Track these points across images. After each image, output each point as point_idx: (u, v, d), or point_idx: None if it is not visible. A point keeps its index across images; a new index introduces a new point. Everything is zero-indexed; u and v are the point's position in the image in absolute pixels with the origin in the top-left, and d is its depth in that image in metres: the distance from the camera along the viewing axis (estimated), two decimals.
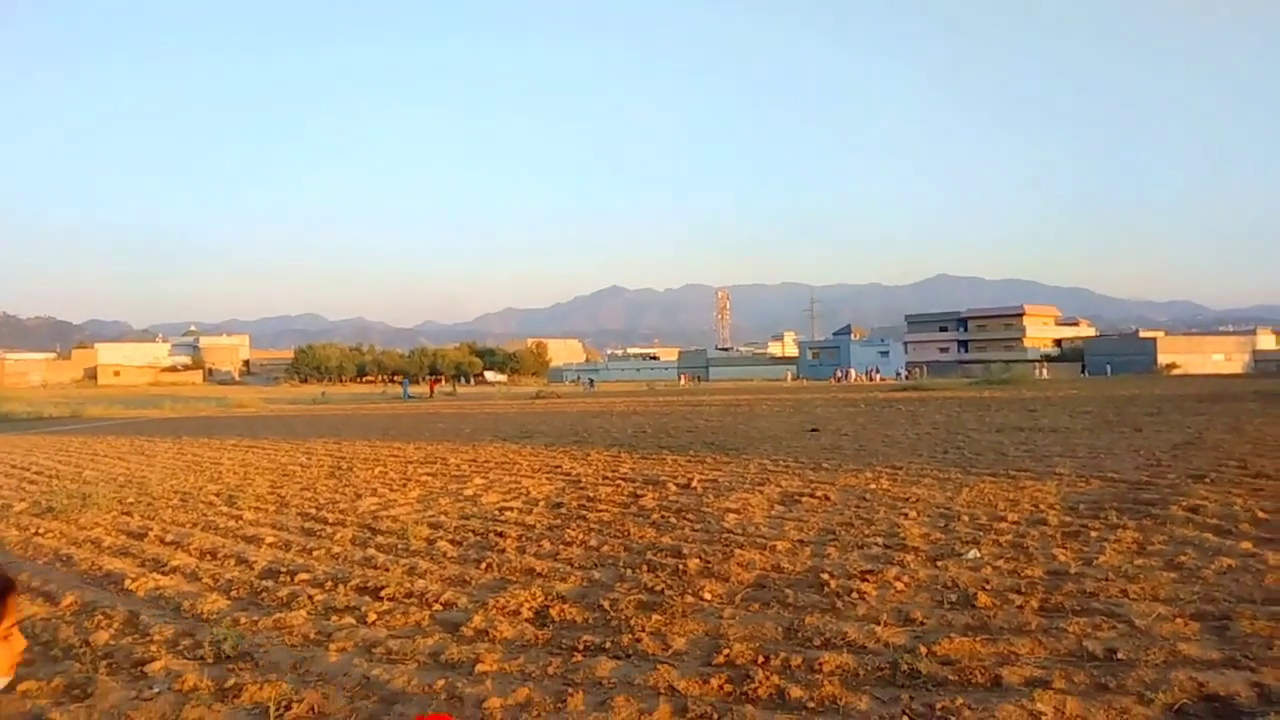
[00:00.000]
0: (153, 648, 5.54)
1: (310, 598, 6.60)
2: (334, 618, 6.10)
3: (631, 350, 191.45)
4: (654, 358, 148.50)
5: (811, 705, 4.32)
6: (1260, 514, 8.15)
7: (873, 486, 11.04)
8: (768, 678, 4.64)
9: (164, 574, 7.60)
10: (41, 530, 9.88)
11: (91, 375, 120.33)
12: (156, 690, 4.77)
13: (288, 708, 4.51)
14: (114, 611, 6.36)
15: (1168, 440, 15.29)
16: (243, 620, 6.10)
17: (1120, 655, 4.74)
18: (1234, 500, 8.90)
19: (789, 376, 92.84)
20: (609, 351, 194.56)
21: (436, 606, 6.32)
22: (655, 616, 5.84)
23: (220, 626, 5.85)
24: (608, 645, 5.31)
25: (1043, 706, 4.12)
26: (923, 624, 5.46)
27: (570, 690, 4.54)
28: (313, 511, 10.62)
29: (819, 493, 10.57)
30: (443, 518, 9.90)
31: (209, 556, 8.30)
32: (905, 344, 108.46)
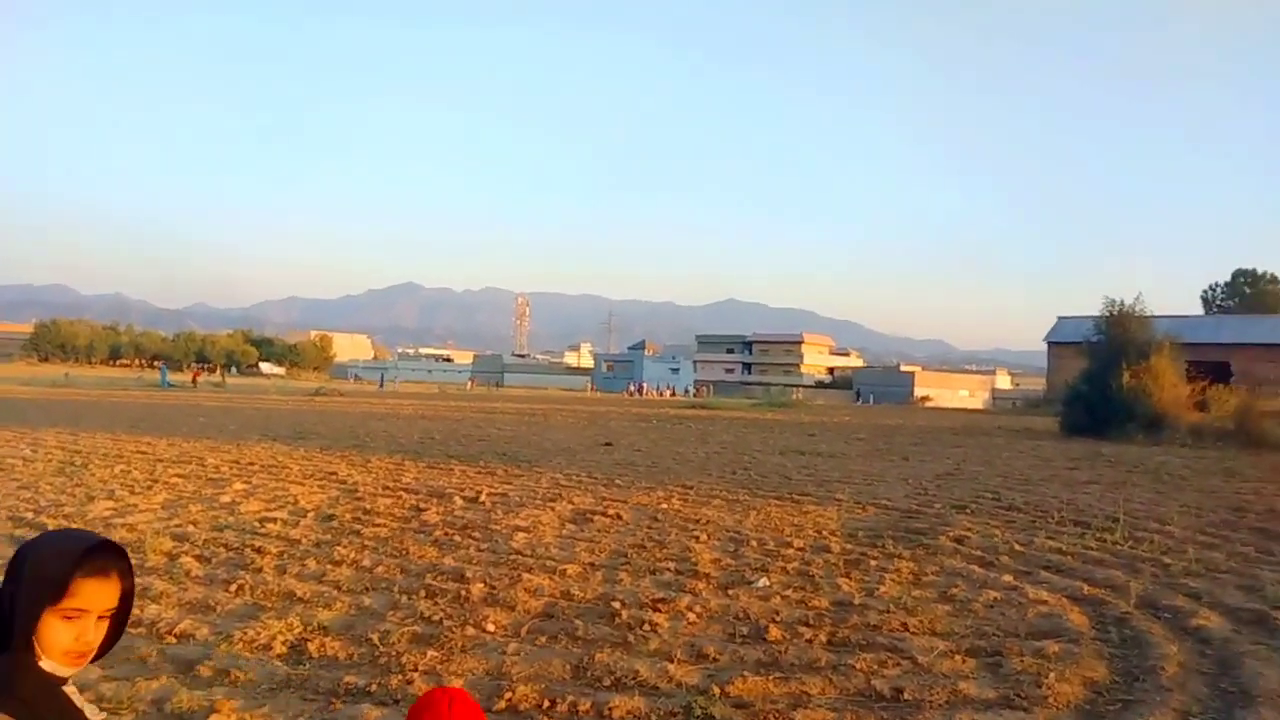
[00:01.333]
0: None
1: None
2: None
3: (424, 350, 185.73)
4: (448, 359, 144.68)
5: None
6: (1017, 546, 8.73)
7: (664, 506, 10.94)
8: None
9: None
10: None
11: None
12: None
13: None
14: None
15: (932, 470, 16.44)
16: None
17: (906, 695, 4.73)
18: (993, 531, 9.51)
19: (589, 387, 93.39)
20: (400, 350, 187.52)
21: (169, 639, 5.39)
22: (431, 652, 5.25)
23: None
24: (373, 688, 4.67)
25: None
26: (716, 660, 5.24)
27: None
28: (28, 517, 9.08)
29: (611, 511, 10.32)
30: (191, 528, 8.73)
31: None
32: (695, 362, 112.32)
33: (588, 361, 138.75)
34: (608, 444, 20.22)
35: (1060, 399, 31.74)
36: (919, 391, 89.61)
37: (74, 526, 8.27)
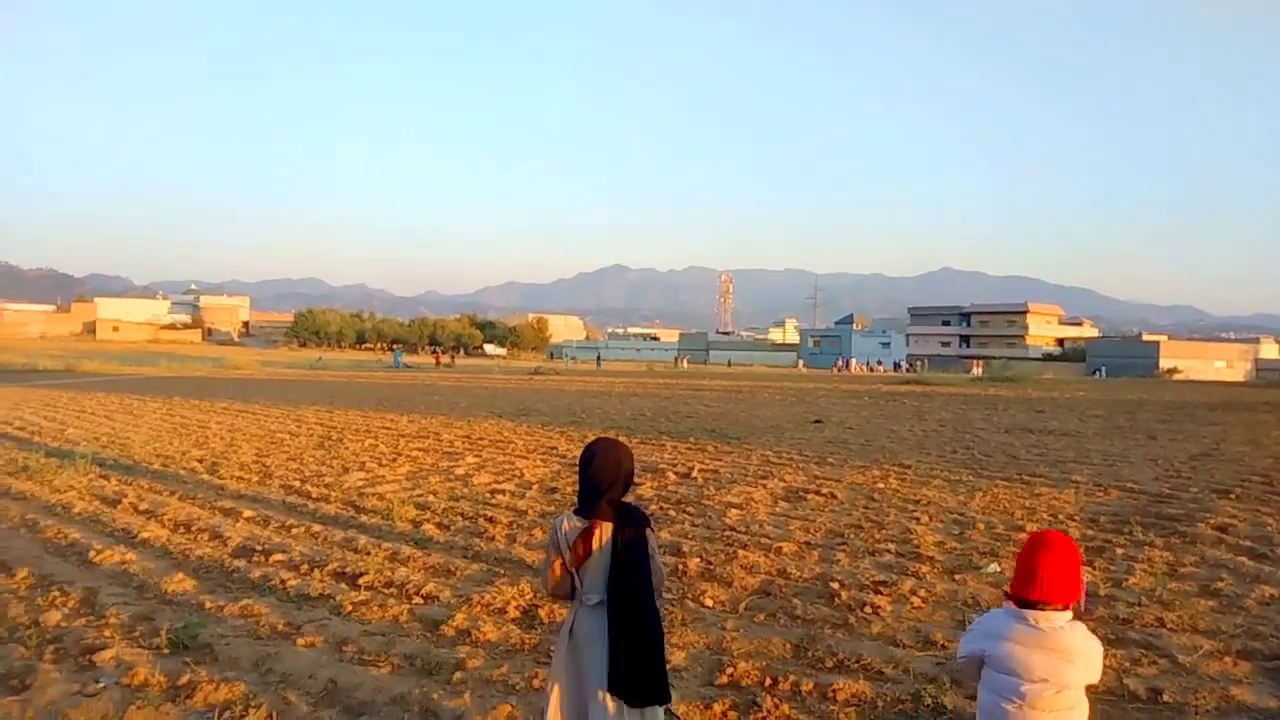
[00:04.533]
0: (106, 632, 5.09)
1: (283, 582, 6.15)
2: (306, 607, 5.66)
3: (632, 330, 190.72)
4: (654, 338, 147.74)
5: None
6: None
7: (881, 485, 10.59)
8: (777, 705, 4.19)
9: (132, 547, 7.16)
10: (12, 491, 9.44)
11: (90, 329, 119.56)
12: (102, 684, 4.32)
13: (243, 714, 4.06)
14: (72, 588, 5.92)
15: (1184, 450, 14.82)
16: (208, 604, 5.65)
17: (1166, 697, 4.30)
18: (1265, 520, 8.44)
19: (801, 364, 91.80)
20: (610, 330, 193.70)
21: (417, 600, 5.87)
22: None
23: (180, 612, 5.40)
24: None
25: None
26: (944, 648, 5.00)
27: None
28: (296, 484, 10.18)
29: (825, 490, 10.12)
30: (431, 498, 9.46)
31: (182, 529, 7.86)
32: (907, 336, 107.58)
33: (793, 338, 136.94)
34: (817, 421, 19.85)
35: None
36: (1165, 363, 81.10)
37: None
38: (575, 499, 3.14)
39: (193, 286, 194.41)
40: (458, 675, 4.53)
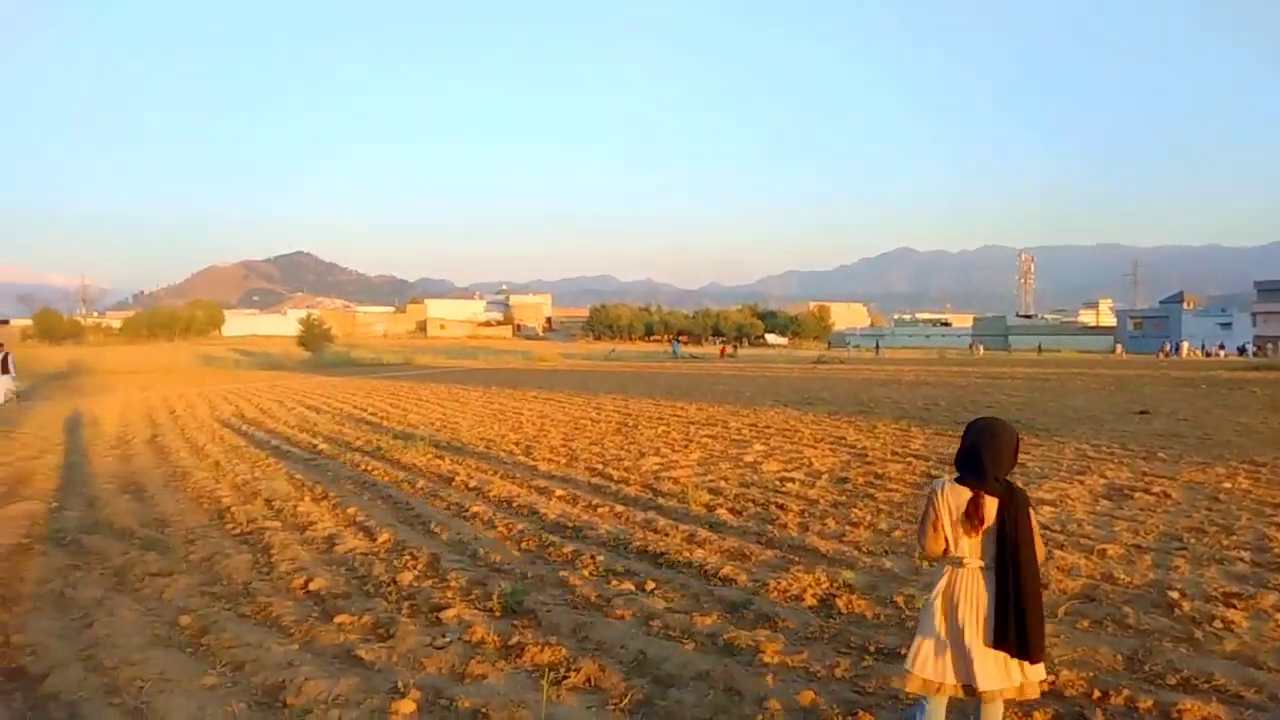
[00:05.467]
0: (449, 594, 5.78)
1: (593, 557, 6.61)
2: (614, 581, 6.04)
3: (920, 315, 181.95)
4: (945, 324, 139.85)
5: None
6: None
7: (1227, 485, 9.25)
8: None
9: (465, 519, 8.05)
10: (370, 467, 10.98)
11: (422, 327, 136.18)
12: (448, 639, 4.92)
13: (565, 675, 4.42)
14: (420, 552, 6.78)
15: None
16: (529, 574, 6.23)
17: None
18: None
19: (1119, 349, 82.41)
20: (895, 317, 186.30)
21: (716, 581, 6.05)
22: None
23: (508, 580, 5.99)
24: (903, 651, 4.70)
25: None
26: None
27: (861, 702, 4.03)
28: (599, 467, 10.87)
29: (1156, 488, 9.03)
30: (722, 483, 9.69)
31: (504, 505, 8.70)
32: (1254, 315, 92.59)
33: (1108, 320, 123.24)
34: (1143, 412, 17.73)
35: None
36: None
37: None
38: (955, 468, 3.39)
39: (503, 287, 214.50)
40: (760, 658, 4.62)
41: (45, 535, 7.39)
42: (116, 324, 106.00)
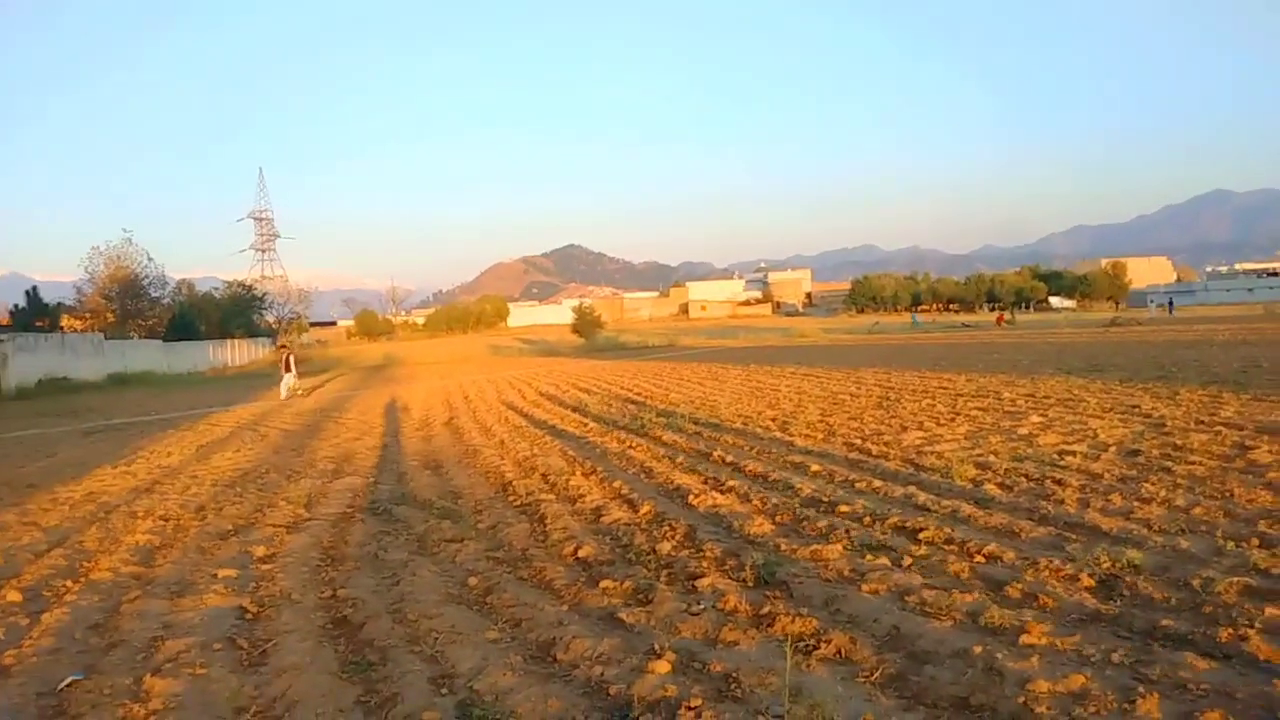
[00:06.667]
0: (704, 564, 6.00)
1: (847, 532, 6.55)
2: (869, 556, 5.95)
3: (1242, 266, 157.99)
4: (1274, 274, 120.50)
5: None
6: None
7: None
8: None
9: (721, 493, 8.27)
10: (634, 445, 11.56)
11: (684, 310, 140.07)
12: (702, 606, 5.12)
13: (815, 646, 4.46)
14: (677, 524, 7.08)
15: None
16: (782, 547, 6.29)
17: None
18: None
19: None
20: (1209, 269, 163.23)
21: (978, 558, 5.77)
22: (1270, 609, 4.51)
23: (760, 552, 6.10)
24: (1196, 638, 4.24)
25: None
26: None
27: (1142, 690, 3.69)
28: (857, 442, 10.67)
29: None
30: (992, 458, 9.14)
31: (759, 480, 8.82)
32: None
33: None
34: None
35: None
36: None
37: (896, 451, 9.49)
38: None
39: (761, 265, 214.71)
40: (1024, 639, 4.36)
41: (364, 506, 8.59)
42: (420, 320, 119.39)
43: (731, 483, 8.63)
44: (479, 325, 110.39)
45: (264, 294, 69.01)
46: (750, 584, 5.50)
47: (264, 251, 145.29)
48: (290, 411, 19.92)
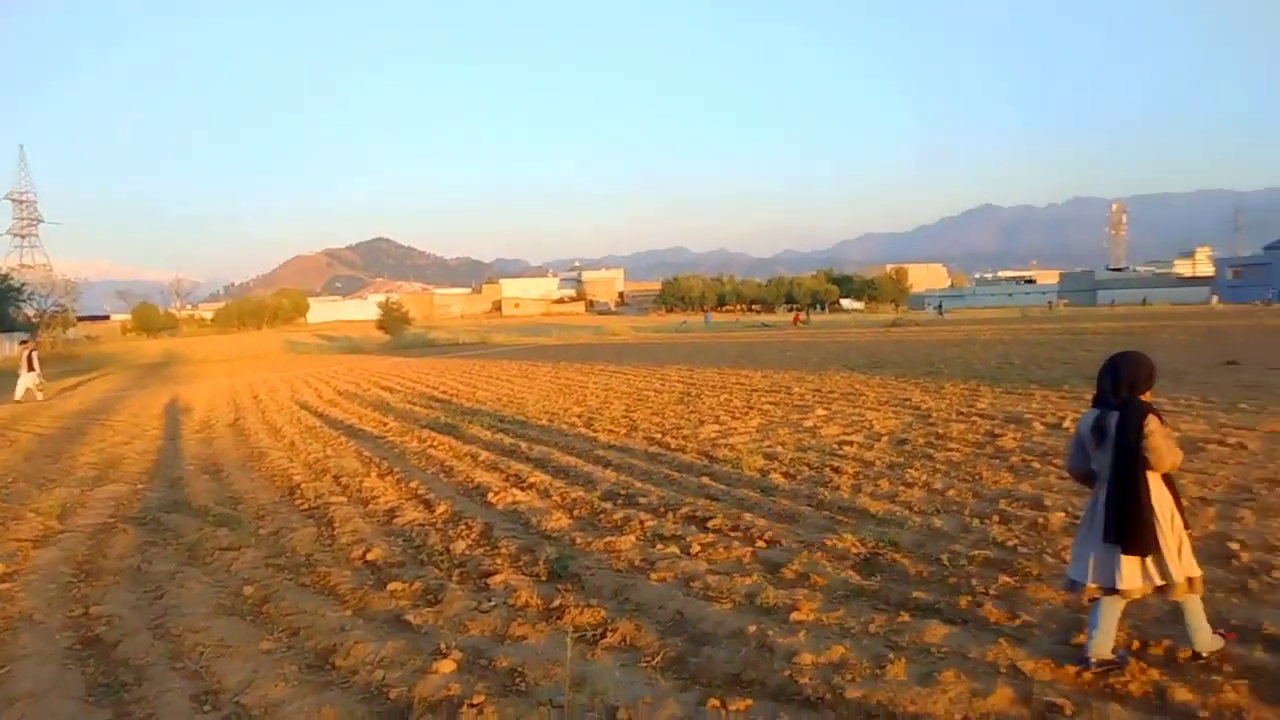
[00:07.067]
0: (498, 561, 5.97)
1: (641, 523, 6.72)
2: (659, 545, 6.14)
3: (1003, 274, 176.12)
4: (1029, 281, 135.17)
5: (1204, 715, 3.40)
6: None
7: None
8: (1143, 670, 3.75)
9: (522, 490, 8.25)
10: (435, 444, 11.31)
11: (497, 307, 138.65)
12: (493, 603, 5.09)
13: (602, 635, 4.55)
14: (474, 522, 7.00)
15: None
16: (578, 541, 6.37)
17: None
18: None
19: (1215, 300, 78.15)
20: (978, 276, 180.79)
21: (760, 543, 6.10)
22: (1003, 578, 5.06)
23: (555, 546, 6.14)
24: (941, 606, 4.69)
25: None
26: None
27: (891, 656, 4.03)
28: (658, 436, 10.97)
29: (1231, 440, 8.67)
30: (779, 449, 9.67)
31: (562, 475, 8.88)
32: None
33: (1206, 270, 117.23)
34: (1231, 362, 16.92)
35: None
36: None
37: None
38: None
39: (576, 264, 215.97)
40: (795, 615, 4.65)
41: (130, 515, 7.88)
42: (208, 315, 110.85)
43: (533, 479, 8.63)
44: (275, 321, 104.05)
45: (22, 284, 61.73)
46: (543, 579, 5.53)
47: (24, 238, 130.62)
48: (49, 414, 17.92)
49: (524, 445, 10.75)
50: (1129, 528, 3.68)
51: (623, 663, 4.22)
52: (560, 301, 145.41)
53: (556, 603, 5.03)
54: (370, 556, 6.21)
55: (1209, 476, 7.19)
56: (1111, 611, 3.83)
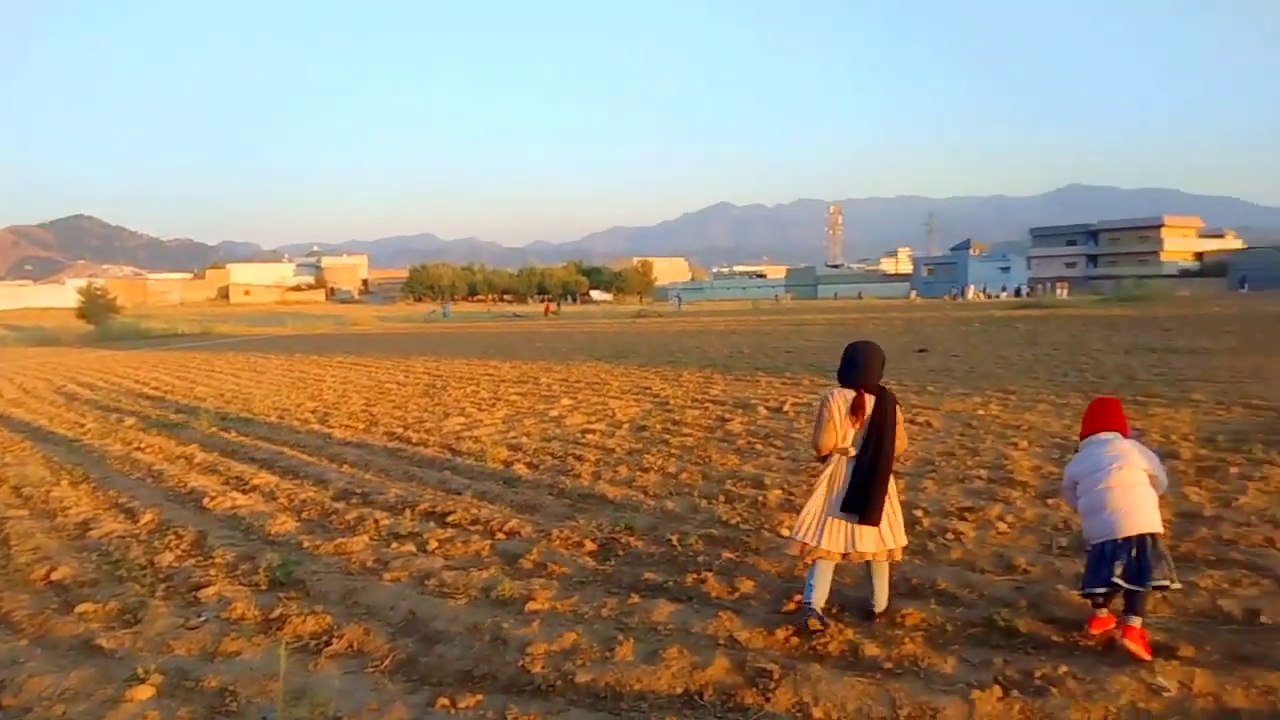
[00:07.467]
0: (212, 571, 5.48)
1: (376, 522, 6.45)
2: (395, 544, 5.92)
3: (738, 268, 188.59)
4: (761, 275, 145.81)
5: (888, 666, 3.81)
6: None
7: (981, 412, 10.22)
8: (840, 631, 4.15)
9: (244, 493, 7.64)
10: (144, 445, 10.19)
11: (224, 294, 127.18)
12: (203, 618, 4.66)
13: (327, 643, 4.31)
14: (185, 531, 6.38)
15: None
16: (305, 544, 6.00)
17: (1264, 619, 4.04)
18: None
19: (914, 294, 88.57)
20: (715, 270, 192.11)
21: (500, 535, 6.07)
22: (726, 554, 5.40)
23: (279, 552, 5.75)
24: (669, 585, 4.91)
25: (1166, 681, 3.49)
26: (1026, 572, 4.84)
27: (621, 637, 4.16)
28: (399, 430, 10.61)
29: (920, 418, 9.84)
30: (524, 439, 9.70)
31: (290, 475, 8.33)
32: (1029, 259, 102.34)
33: (906, 267, 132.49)
34: (922, 350, 19.26)
35: None
36: None
37: (432, 432, 9.57)
38: (839, 379, 4.28)
39: (315, 248, 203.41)
40: (530, 605, 4.67)
41: None
42: None
43: (258, 481, 8.02)
44: None
45: None
46: (264, 588, 5.14)
47: None
48: None
49: (248, 445, 9.97)
50: (873, 499, 4.09)
51: (348, 670, 4.03)
52: (297, 289, 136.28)
53: (277, 613, 4.70)
54: (56, 576, 5.46)
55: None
56: (828, 571, 4.27)
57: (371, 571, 5.38)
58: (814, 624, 4.13)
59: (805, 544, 4.21)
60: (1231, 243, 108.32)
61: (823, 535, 4.16)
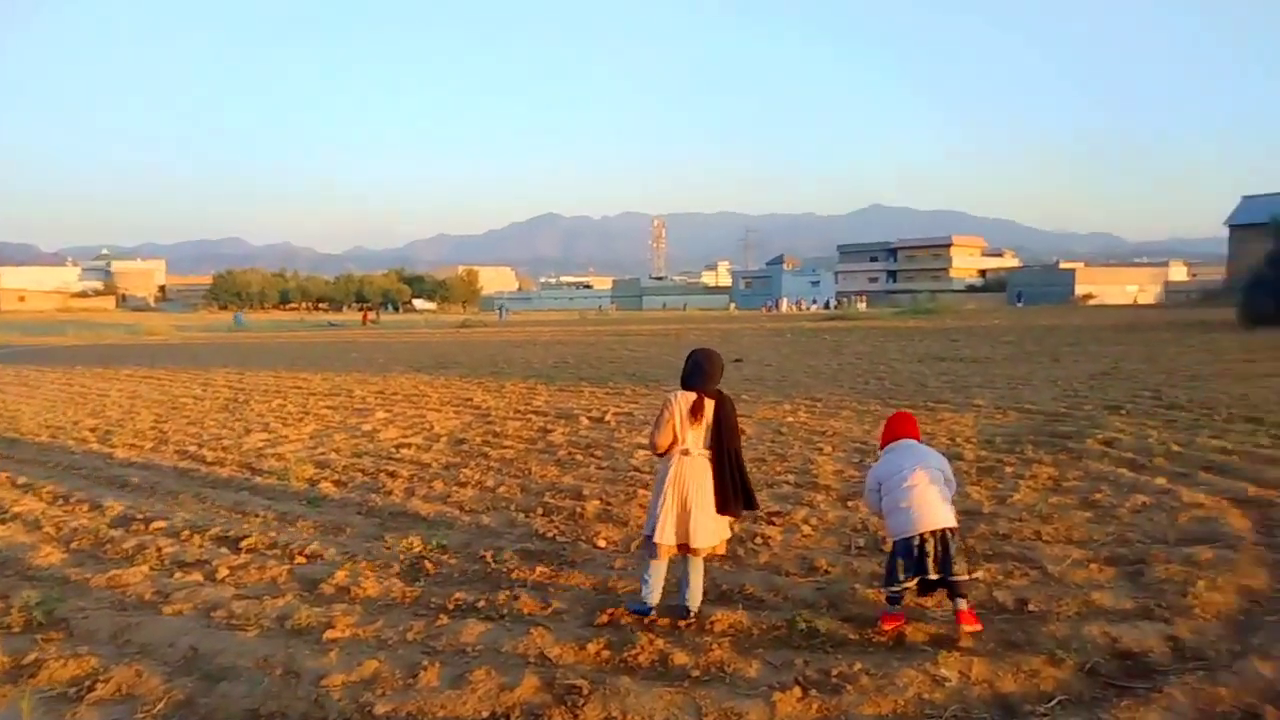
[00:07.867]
0: None
1: (159, 550, 5.90)
2: (179, 574, 5.43)
3: (565, 279, 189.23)
4: (588, 286, 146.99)
5: (696, 674, 3.85)
6: (1175, 447, 7.98)
7: (790, 419, 10.67)
8: (651, 642, 4.16)
9: (1, 523, 6.79)
10: None
11: None
12: None
13: (90, 689, 3.86)
14: None
15: (1085, 370, 15.32)
16: (73, 578, 5.39)
17: (1032, 607, 4.40)
18: (1149, 432, 8.74)
19: (732, 306, 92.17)
20: (543, 280, 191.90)
21: (299, 559, 5.69)
22: (540, 568, 5.32)
23: (39, 589, 5.12)
24: (480, 604, 4.76)
25: (947, 671, 3.72)
26: (827, 573, 5.05)
27: (426, 661, 3.98)
28: (193, 449, 9.81)
29: None
30: (333, 455, 9.21)
31: (60, 501, 7.50)
32: (836, 274, 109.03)
33: (726, 280, 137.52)
34: (738, 360, 19.94)
35: (1241, 287, 28.75)
36: (1080, 289, 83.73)
37: (242, 454, 8.91)
38: (679, 383, 4.49)
39: (104, 251, 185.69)
40: (329, 634, 4.39)
41: None
42: None
43: (19, 509, 7.15)
44: None
45: None
46: (16, 630, 4.55)
47: None
48: None
49: (11, 468, 8.89)
50: (723, 495, 4.32)
51: (113, 718, 3.62)
52: (83, 295, 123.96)
53: (31, 658, 4.17)
54: None
55: None
56: (663, 570, 4.42)
57: (150, 605, 4.89)
58: (653, 617, 4.39)
59: (658, 543, 4.32)
60: (1010, 261, 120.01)
61: (669, 530, 4.32)
